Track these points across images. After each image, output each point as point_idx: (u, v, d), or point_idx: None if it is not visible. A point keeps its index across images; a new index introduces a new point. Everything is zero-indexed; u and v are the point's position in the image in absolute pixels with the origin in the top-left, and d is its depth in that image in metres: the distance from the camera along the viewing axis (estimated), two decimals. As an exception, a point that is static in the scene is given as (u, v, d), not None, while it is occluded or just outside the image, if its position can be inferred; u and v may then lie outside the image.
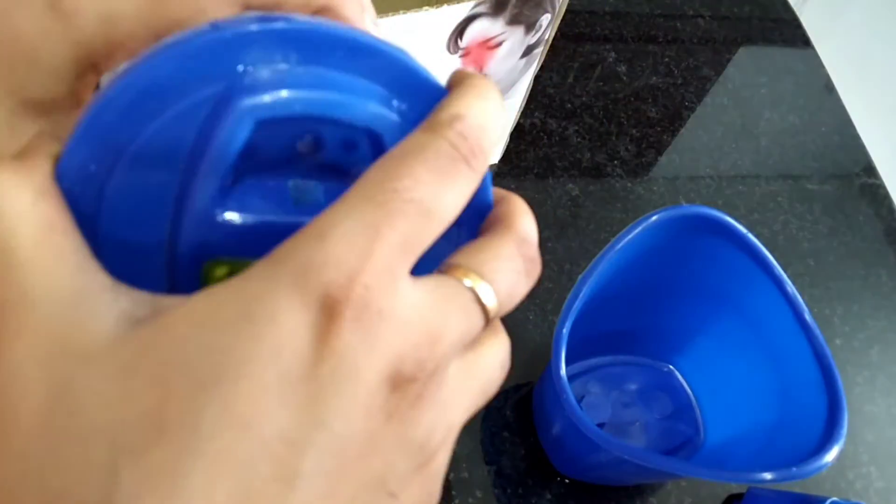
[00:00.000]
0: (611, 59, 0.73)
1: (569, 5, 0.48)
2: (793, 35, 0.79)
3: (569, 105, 0.68)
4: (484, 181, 0.20)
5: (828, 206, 0.67)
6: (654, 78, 0.72)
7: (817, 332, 0.42)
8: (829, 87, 0.76)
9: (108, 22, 0.19)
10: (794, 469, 0.37)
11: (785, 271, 0.44)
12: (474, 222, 0.21)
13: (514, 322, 0.55)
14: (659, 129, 0.69)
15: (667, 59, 0.74)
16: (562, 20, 0.49)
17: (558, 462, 0.49)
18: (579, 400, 0.51)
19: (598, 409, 0.51)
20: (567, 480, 0.49)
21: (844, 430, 0.38)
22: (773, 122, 0.72)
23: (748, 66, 0.76)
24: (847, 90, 0.76)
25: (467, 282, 0.18)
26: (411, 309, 0.16)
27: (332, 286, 0.15)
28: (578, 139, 0.66)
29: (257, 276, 0.16)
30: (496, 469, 0.49)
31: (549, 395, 0.46)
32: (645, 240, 0.44)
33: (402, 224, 0.16)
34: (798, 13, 0.82)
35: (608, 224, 0.62)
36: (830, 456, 0.37)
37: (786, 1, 0.83)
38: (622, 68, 0.72)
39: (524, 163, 0.64)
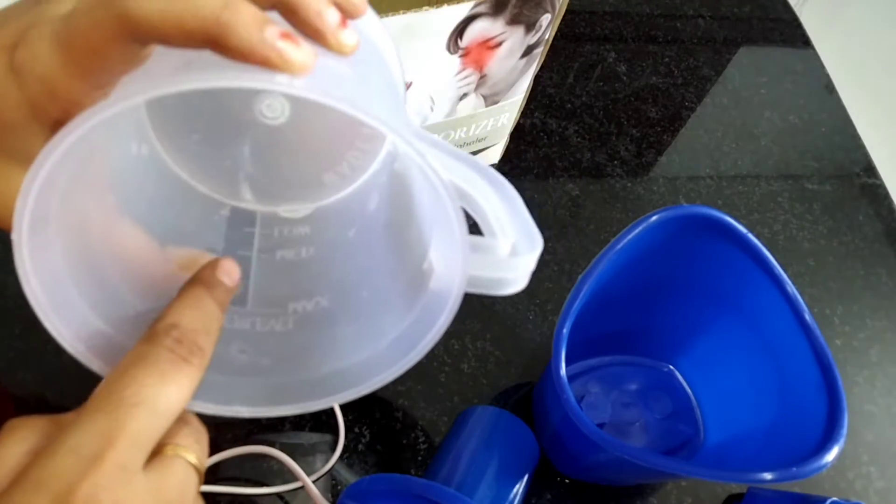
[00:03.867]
0: (611, 59, 0.73)
1: (569, 5, 0.48)
2: (793, 35, 0.79)
3: (569, 105, 0.68)
4: None
5: (828, 206, 0.67)
6: (654, 78, 0.72)
7: (817, 332, 0.42)
8: (829, 88, 0.76)
9: (44, 81, 0.21)
10: (794, 469, 0.37)
11: (785, 271, 0.44)
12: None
13: (514, 322, 0.55)
14: (659, 129, 0.69)
15: (667, 59, 0.74)
16: (562, 20, 0.49)
17: (558, 462, 0.49)
18: (579, 400, 0.51)
19: (598, 409, 0.51)
20: (567, 480, 0.49)
21: (844, 430, 0.38)
22: (773, 122, 0.72)
23: (748, 66, 0.76)
24: (847, 90, 0.76)
25: (180, 454, 0.23)
26: (146, 492, 0.21)
27: (58, 496, 0.20)
28: (578, 139, 0.66)
29: (11, 497, 0.20)
30: (496, 469, 0.49)
31: (549, 395, 0.46)
32: (645, 240, 0.44)
33: (132, 426, 0.21)
34: (798, 13, 0.82)
35: (608, 224, 0.62)
36: (830, 456, 0.37)
37: (786, 1, 0.83)
38: (622, 68, 0.72)
39: (524, 163, 0.64)
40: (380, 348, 0.27)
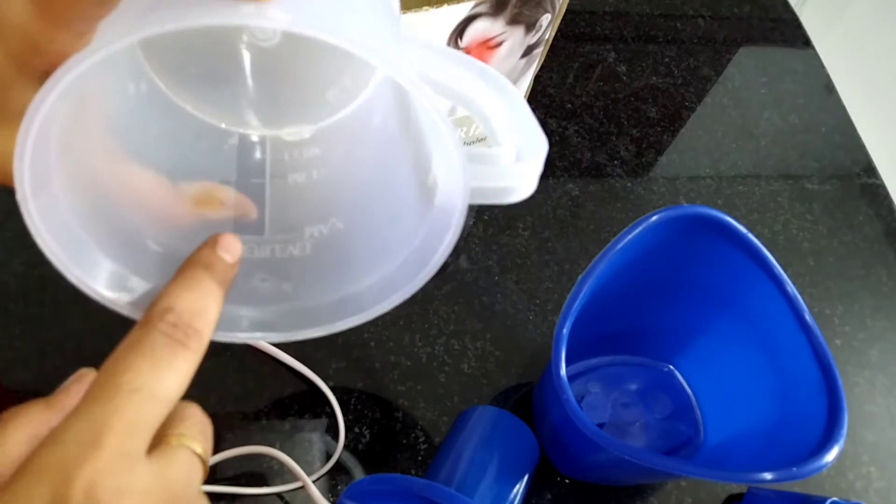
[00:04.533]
0: (611, 59, 0.73)
1: (569, 5, 0.48)
2: (793, 35, 0.80)
3: (569, 105, 0.68)
4: None
5: (828, 206, 0.67)
6: (654, 78, 0.72)
7: (817, 332, 0.42)
8: (829, 87, 0.76)
9: (23, 34, 0.21)
10: (794, 469, 0.37)
11: (785, 271, 0.44)
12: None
13: (514, 322, 0.55)
14: (659, 129, 0.69)
15: (667, 59, 0.74)
16: (562, 20, 0.49)
17: (558, 462, 0.49)
18: (579, 400, 0.51)
19: (598, 409, 0.51)
20: (567, 480, 0.49)
21: (844, 430, 0.38)
22: (773, 122, 0.72)
23: (748, 66, 0.76)
24: (847, 90, 0.76)
25: (185, 444, 0.23)
26: (150, 478, 0.21)
27: (58, 482, 0.20)
28: (578, 139, 0.66)
29: (14, 486, 0.20)
30: (496, 469, 0.49)
31: (549, 396, 0.46)
32: (645, 240, 0.44)
33: (130, 412, 0.21)
34: (798, 13, 0.82)
35: (608, 224, 0.62)
36: (830, 456, 0.37)
37: (786, 1, 0.83)
38: (622, 68, 0.72)
39: (524, 163, 0.64)
40: (392, 270, 0.27)
